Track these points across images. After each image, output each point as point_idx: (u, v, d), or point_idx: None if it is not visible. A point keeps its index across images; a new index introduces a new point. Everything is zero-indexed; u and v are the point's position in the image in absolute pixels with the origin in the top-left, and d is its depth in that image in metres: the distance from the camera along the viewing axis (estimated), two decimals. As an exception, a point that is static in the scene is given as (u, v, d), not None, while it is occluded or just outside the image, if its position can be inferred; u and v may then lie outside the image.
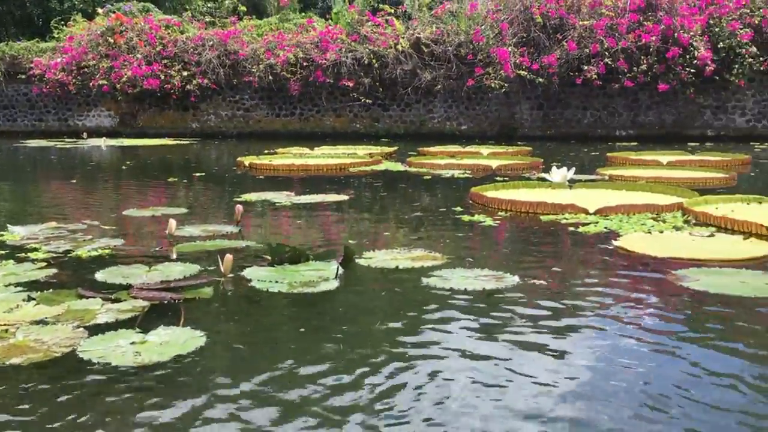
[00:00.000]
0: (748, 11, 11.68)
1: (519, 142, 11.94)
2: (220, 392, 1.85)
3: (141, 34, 14.72)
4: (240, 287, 2.87)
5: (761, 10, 11.57)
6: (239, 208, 4.35)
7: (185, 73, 14.25)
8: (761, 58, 11.53)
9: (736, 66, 11.60)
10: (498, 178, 6.52)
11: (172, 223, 3.96)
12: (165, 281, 2.91)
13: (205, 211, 5.10)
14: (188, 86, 14.23)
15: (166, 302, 2.63)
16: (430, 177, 6.96)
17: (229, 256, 3.03)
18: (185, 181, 7.05)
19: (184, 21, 15.60)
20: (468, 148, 10.23)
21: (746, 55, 11.48)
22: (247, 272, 3.05)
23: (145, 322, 2.40)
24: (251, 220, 4.57)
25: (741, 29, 11.48)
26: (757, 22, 11.54)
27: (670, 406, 1.74)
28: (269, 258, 3.23)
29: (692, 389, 1.84)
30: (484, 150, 9.77)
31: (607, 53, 11.90)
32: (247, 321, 2.54)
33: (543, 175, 6.27)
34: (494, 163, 7.68)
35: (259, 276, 3.00)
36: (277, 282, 2.90)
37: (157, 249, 3.62)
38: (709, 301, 2.66)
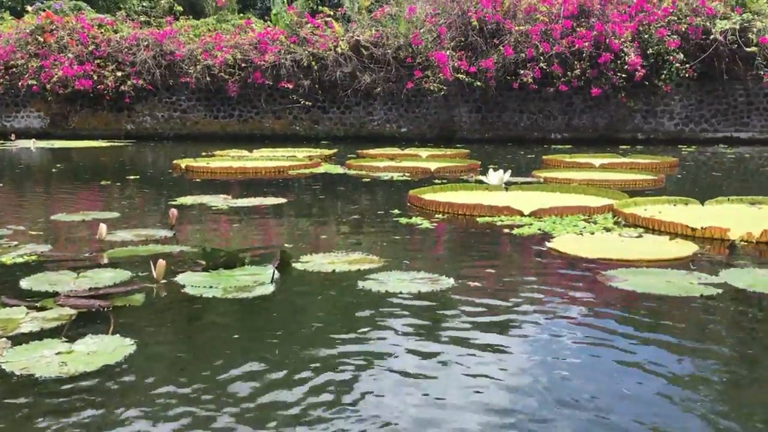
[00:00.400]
0: (676, 19, 12.11)
1: (458, 145, 12.07)
2: (149, 402, 1.80)
3: (72, 33, 14.28)
4: (173, 293, 2.81)
5: (687, 18, 12.01)
6: (174, 212, 4.27)
7: (119, 74, 13.90)
8: (687, 65, 11.97)
9: (664, 72, 12.01)
10: (436, 181, 6.57)
11: (103, 227, 3.85)
12: (94, 288, 2.83)
13: (139, 215, 4.98)
14: (122, 87, 13.88)
15: (94, 310, 2.56)
16: (369, 180, 6.97)
17: (161, 262, 2.97)
18: (119, 184, 6.87)
19: (117, 20, 15.22)
20: (407, 151, 10.30)
21: (673, 62, 11.90)
22: (180, 278, 2.99)
23: (72, 331, 2.33)
24: (186, 224, 4.49)
25: (669, 36, 11.89)
26: (683, 29, 11.98)
27: (594, 396, 1.78)
28: (204, 263, 3.18)
29: (615, 380, 1.89)
30: (423, 152, 9.85)
31: (542, 58, 12.15)
32: (180, 328, 2.49)
33: (480, 177, 6.36)
34: (433, 166, 7.75)
35: (193, 281, 2.95)
36: (211, 287, 2.86)
37: (86, 255, 3.52)
38: (636, 300, 2.74)
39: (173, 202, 5.27)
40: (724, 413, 1.75)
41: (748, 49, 11.71)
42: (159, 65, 13.85)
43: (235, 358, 2.10)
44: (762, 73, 11.74)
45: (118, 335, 2.27)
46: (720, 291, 2.83)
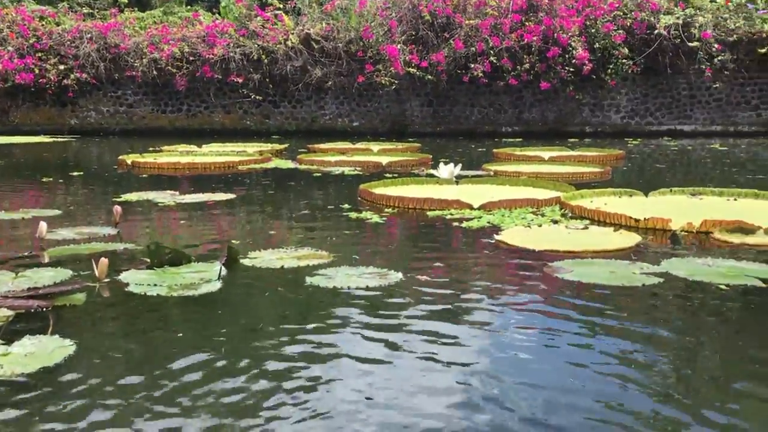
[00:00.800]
0: (621, 14, 12.35)
1: (409, 139, 12.10)
2: (89, 403, 1.76)
3: (12, 26, 13.83)
4: (116, 292, 2.75)
5: (632, 13, 12.26)
6: (118, 209, 4.17)
7: (62, 67, 13.52)
8: (632, 60, 12.22)
9: (611, 66, 12.25)
10: (387, 175, 6.57)
11: (43, 225, 3.74)
12: (33, 288, 2.74)
13: (82, 212, 4.86)
14: (66, 81, 13.51)
15: (33, 310, 2.48)
16: (320, 174, 6.94)
17: (104, 260, 2.89)
18: (61, 181, 6.69)
19: (59, 12, 14.80)
20: (358, 145, 10.27)
21: (619, 56, 12.14)
22: (124, 276, 2.93)
23: (9, 332, 2.25)
24: (132, 221, 4.39)
25: (614, 31, 12.13)
26: (629, 24, 12.23)
27: (546, 377, 1.81)
28: (148, 260, 3.11)
29: (564, 363, 1.92)
30: (375, 147, 9.85)
31: (492, 52, 12.26)
32: (122, 327, 2.43)
33: (431, 171, 6.38)
34: (384, 160, 7.75)
35: (137, 279, 2.88)
36: (156, 285, 2.80)
37: (25, 254, 3.41)
38: (581, 290, 2.79)
39: (118, 199, 5.15)
40: (672, 392, 1.79)
41: (690, 44, 12.03)
42: (103, 58, 13.53)
43: (179, 357, 2.06)
44: (704, 67, 12.06)
45: (57, 336, 2.21)
46: (661, 280, 2.90)
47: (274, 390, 1.84)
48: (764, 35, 12.12)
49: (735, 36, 12.23)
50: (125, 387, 1.86)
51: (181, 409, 1.73)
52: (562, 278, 2.94)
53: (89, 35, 13.57)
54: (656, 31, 12.09)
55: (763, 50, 12.08)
